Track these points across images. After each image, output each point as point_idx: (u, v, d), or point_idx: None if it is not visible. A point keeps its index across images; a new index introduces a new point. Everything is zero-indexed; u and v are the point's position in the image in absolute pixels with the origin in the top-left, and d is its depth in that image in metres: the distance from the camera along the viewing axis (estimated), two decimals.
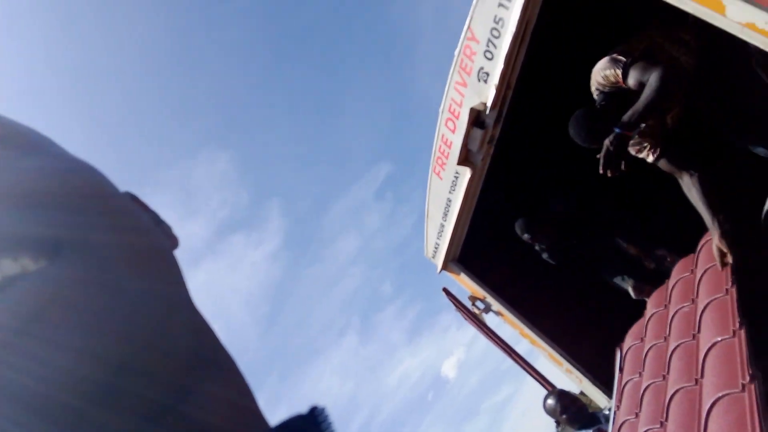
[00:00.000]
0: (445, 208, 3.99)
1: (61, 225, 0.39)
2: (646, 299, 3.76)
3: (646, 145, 2.84)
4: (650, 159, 2.87)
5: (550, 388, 5.02)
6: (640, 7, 2.44)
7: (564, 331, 4.53)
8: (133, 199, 0.51)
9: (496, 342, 4.97)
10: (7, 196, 0.38)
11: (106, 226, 0.41)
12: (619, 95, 2.68)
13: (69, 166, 0.45)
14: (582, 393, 5.06)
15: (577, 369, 4.39)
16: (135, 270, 0.40)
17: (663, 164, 2.85)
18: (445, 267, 4.50)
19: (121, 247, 0.41)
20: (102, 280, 0.38)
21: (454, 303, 4.79)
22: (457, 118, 3.36)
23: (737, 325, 2.13)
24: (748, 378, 1.78)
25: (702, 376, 2.12)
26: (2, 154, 0.41)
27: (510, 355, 5.05)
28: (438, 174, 3.81)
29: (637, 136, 2.78)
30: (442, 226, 4.15)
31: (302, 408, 0.41)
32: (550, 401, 3.73)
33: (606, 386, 4.10)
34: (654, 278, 3.88)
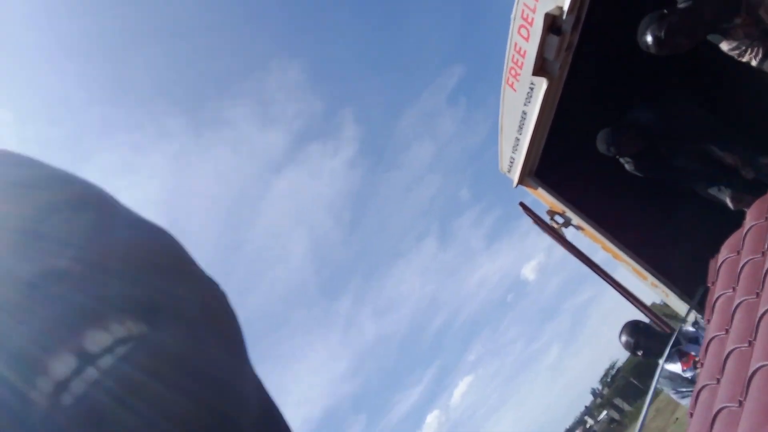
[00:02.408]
0: (521, 121, 3.82)
1: (155, 290, 0.41)
2: (746, 210, 3.51)
3: (746, 48, 2.55)
4: (754, 63, 2.58)
5: (632, 300, 4.92)
6: None
7: (649, 244, 4.36)
8: None
9: (578, 256, 4.87)
10: (105, 263, 0.40)
11: (190, 291, 0.44)
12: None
13: (151, 233, 0.47)
14: (665, 305, 4.92)
15: (664, 283, 4.26)
16: (215, 337, 0.43)
17: None
18: (521, 181, 4.37)
19: (203, 311, 0.43)
20: (193, 346, 0.40)
21: (532, 217, 4.68)
22: (530, 24, 3.13)
23: None
24: None
25: None
26: (95, 221, 0.44)
27: (593, 269, 4.95)
28: (511, 85, 3.62)
29: (734, 40, 2.51)
30: (518, 140, 4.00)
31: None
32: (624, 338, 3.69)
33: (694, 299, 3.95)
34: (753, 188, 3.60)
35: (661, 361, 3.68)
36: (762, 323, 2.13)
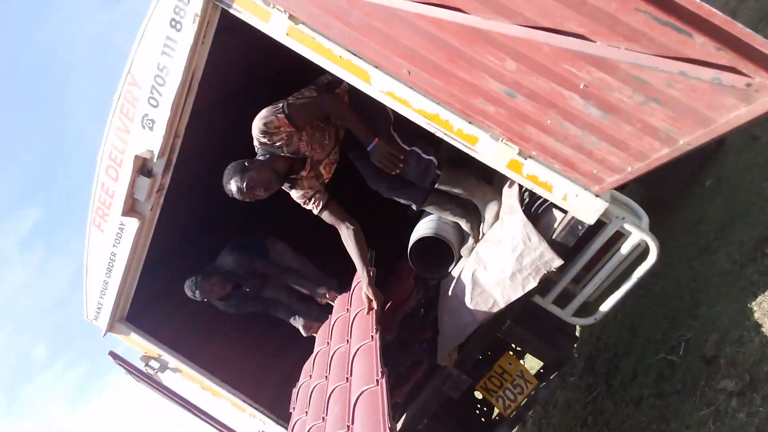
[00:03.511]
0: (109, 263, 3.59)
1: None
2: (315, 335, 4.01)
3: (310, 197, 3.06)
4: (315, 211, 3.10)
5: None
6: (307, 68, 2.63)
7: (245, 377, 4.50)
8: None
9: (175, 399, 4.65)
10: None
11: None
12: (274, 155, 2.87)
13: None
14: None
15: (261, 412, 4.41)
16: None
17: (326, 216, 3.11)
18: (111, 328, 4.03)
19: None
20: None
21: (124, 367, 4.31)
22: (119, 165, 3.07)
23: (380, 374, 2.40)
24: (388, 429, 2.03)
25: (353, 422, 2.31)
26: None
27: (192, 411, 4.78)
28: (98, 226, 3.40)
29: (300, 189, 3.00)
30: (106, 283, 3.72)
31: None
32: None
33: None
34: (323, 316, 4.17)
35: None
36: None
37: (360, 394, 2.37)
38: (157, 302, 4.34)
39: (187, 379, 4.36)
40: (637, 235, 2.55)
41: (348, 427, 2.31)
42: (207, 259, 4.19)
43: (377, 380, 2.35)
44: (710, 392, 3.01)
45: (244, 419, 4.57)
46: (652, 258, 2.60)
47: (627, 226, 2.54)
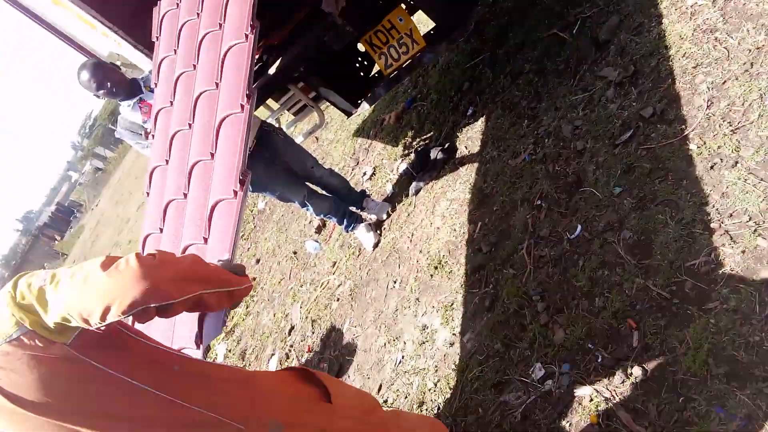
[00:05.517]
0: None
1: None
2: None
3: None
4: None
5: (83, 51, 4.43)
6: None
7: None
8: None
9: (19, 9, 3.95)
10: None
11: None
12: None
13: None
14: (124, 60, 4.65)
15: (115, 32, 3.88)
16: None
17: None
18: None
19: None
20: None
21: None
22: None
23: (249, 29, 2.03)
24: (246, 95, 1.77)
25: (221, 80, 2.03)
26: None
27: (36, 21, 4.14)
28: None
29: None
30: None
31: None
32: (84, 75, 3.22)
33: (150, 49, 3.78)
34: None
35: (122, 109, 3.50)
36: (198, 105, 2.10)
37: (231, 47, 2.03)
38: None
39: None
40: None
41: (216, 84, 2.05)
42: None
43: (246, 35, 2.00)
44: (590, 77, 2.97)
45: (96, 38, 4.05)
46: None
47: None
